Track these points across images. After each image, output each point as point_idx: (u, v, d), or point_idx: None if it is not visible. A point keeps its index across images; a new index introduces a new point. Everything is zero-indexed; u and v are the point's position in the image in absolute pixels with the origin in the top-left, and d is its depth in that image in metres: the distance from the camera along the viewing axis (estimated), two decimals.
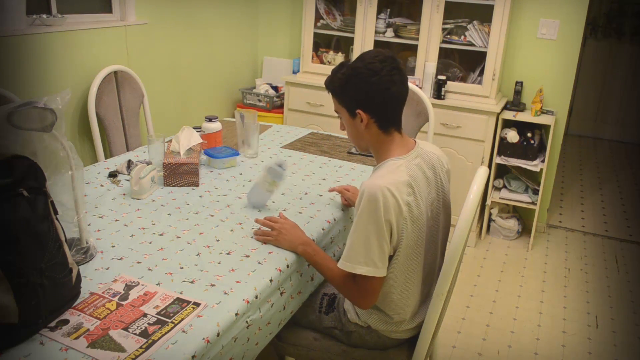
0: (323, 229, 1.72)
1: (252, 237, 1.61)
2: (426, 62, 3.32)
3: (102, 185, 1.92)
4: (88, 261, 1.43)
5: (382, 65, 1.40)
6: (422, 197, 1.43)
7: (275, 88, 3.90)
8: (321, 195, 1.95)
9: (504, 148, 3.31)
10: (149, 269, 1.41)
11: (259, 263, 1.48)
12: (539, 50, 3.34)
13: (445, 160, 1.58)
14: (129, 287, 1.33)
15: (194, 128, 2.18)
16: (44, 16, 2.47)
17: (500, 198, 3.43)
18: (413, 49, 3.38)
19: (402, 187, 1.38)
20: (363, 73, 1.41)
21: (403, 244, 1.42)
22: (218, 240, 1.57)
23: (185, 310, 1.25)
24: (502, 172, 3.56)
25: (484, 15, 3.22)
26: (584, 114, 5.94)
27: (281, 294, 1.47)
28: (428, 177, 1.48)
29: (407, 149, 1.48)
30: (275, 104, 3.82)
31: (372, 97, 1.42)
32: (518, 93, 3.35)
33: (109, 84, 2.74)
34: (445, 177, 1.56)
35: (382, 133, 1.47)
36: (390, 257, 1.44)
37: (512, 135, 3.26)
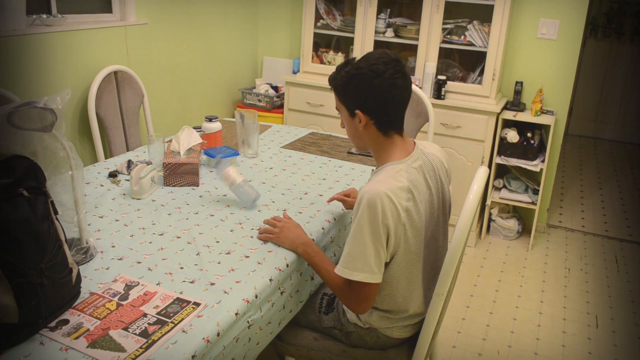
0: (323, 229, 1.72)
1: (252, 237, 1.61)
2: (426, 62, 3.32)
3: (102, 185, 1.92)
4: (88, 261, 1.43)
5: (386, 67, 1.38)
6: (421, 201, 1.43)
7: (275, 88, 3.90)
8: (321, 195, 1.95)
9: (504, 148, 3.31)
10: (149, 269, 1.41)
11: (259, 263, 1.48)
12: (539, 50, 3.34)
13: (445, 159, 1.58)
14: (129, 287, 1.33)
15: (194, 128, 2.19)
16: (44, 16, 2.47)
17: (500, 198, 3.43)
18: (413, 49, 3.38)
19: (400, 192, 1.37)
20: (365, 74, 1.39)
21: (402, 249, 1.42)
22: (218, 241, 1.57)
23: (185, 310, 1.25)
24: (502, 172, 3.56)
25: (484, 15, 3.22)
26: (584, 114, 5.94)
27: (281, 293, 1.47)
28: (428, 180, 1.48)
29: (407, 151, 1.47)
30: (275, 104, 3.82)
31: (372, 99, 1.40)
32: (518, 93, 3.35)
33: (109, 84, 2.74)
34: (445, 178, 1.55)
35: (381, 135, 1.46)
36: (389, 263, 1.44)
37: (512, 135, 3.26)
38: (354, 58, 1.45)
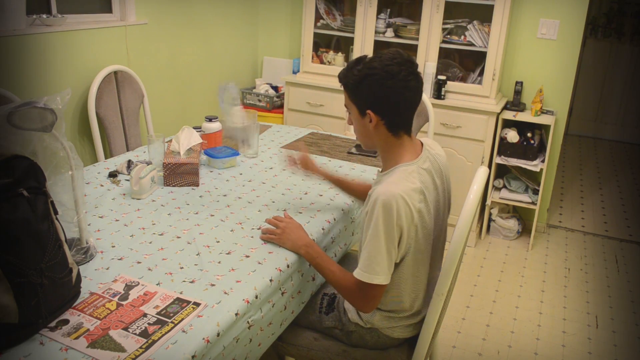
0: (323, 229, 1.72)
1: (252, 237, 1.61)
2: (426, 62, 3.32)
3: (102, 185, 1.91)
4: (88, 261, 1.43)
5: (400, 68, 1.36)
6: (431, 201, 1.44)
7: (275, 88, 3.90)
8: (321, 195, 1.95)
9: (504, 148, 3.30)
10: (149, 269, 1.41)
11: (259, 263, 1.48)
12: (539, 50, 3.34)
13: (445, 159, 1.59)
14: (129, 287, 1.33)
15: (194, 128, 2.18)
16: (44, 16, 2.47)
17: (500, 198, 3.43)
18: (413, 49, 3.38)
19: (414, 194, 1.38)
20: (379, 74, 1.37)
21: (413, 250, 1.42)
22: (218, 241, 1.57)
23: (185, 310, 1.25)
24: (502, 172, 3.56)
25: (484, 15, 3.22)
26: (584, 114, 5.94)
27: (282, 294, 1.47)
28: (436, 180, 1.48)
29: (417, 152, 1.48)
30: (275, 104, 3.82)
31: (385, 100, 1.39)
32: (518, 93, 3.35)
33: (109, 84, 2.74)
34: (449, 178, 1.57)
35: (390, 135, 1.45)
36: (399, 264, 1.44)
37: (512, 135, 3.26)
38: (366, 56, 1.43)
